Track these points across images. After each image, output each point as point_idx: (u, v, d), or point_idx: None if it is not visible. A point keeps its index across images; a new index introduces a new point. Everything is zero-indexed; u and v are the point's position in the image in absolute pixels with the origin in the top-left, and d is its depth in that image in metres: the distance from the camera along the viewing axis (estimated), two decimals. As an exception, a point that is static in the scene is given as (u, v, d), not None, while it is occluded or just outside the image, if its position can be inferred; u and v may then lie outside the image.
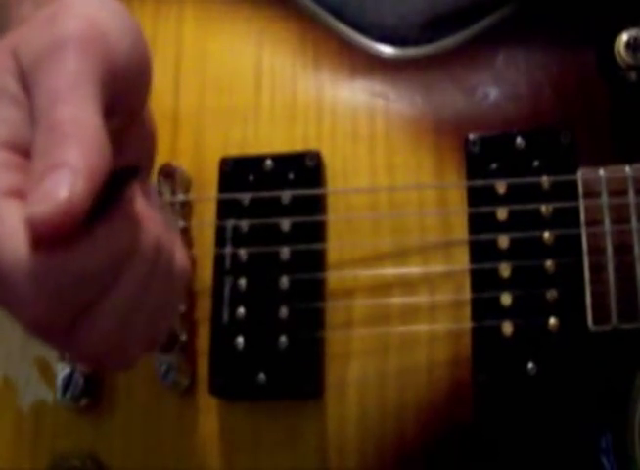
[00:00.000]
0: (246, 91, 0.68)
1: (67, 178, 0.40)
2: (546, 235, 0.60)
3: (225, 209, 0.65)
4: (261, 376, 0.62)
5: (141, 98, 0.50)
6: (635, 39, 0.63)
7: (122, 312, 0.44)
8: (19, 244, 0.41)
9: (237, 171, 0.66)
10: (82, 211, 0.40)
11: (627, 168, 0.60)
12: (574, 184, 0.61)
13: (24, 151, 0.44)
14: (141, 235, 0.44)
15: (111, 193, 0.42)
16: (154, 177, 0.64)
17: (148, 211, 0.45)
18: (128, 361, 0.47)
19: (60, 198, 0.40)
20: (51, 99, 0.43)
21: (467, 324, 0.60)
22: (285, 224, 0.63)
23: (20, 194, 0.42)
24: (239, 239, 0.64)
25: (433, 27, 0.68)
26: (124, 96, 0.47)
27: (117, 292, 0.44)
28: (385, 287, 0.62)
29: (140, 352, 0.47)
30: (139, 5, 0.72)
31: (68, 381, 0.65)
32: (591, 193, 0.60)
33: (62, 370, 0.65)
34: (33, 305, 0.41)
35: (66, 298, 0.42)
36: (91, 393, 0.65)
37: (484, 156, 0.63)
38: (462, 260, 0.62)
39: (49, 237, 0.41)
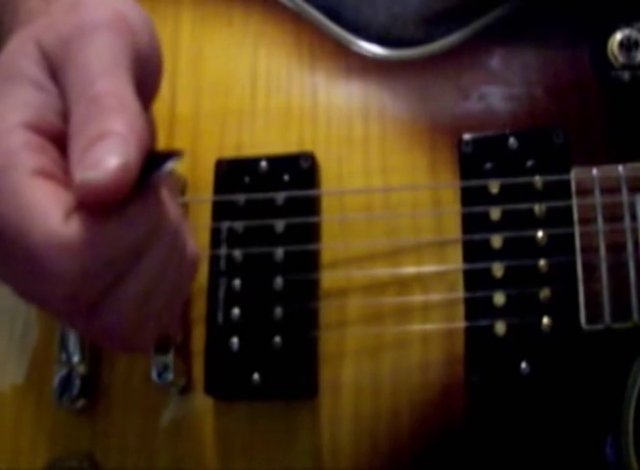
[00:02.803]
0: (241, 94, 0.69)
1: (118, 146, 0.42)
2: (539, 234, 0.60)
3: (220, 210, 0.65)
4: (256, 376, 0.62)
5: (156, 86, 0.51)
6: (628, 39, 0.63)
7: (143, 292, 0.45)
8: (52, 220, 0.42)
9: (232, 173, 0.66)
10: (134, 179, 0.41)
11: (620, 168, 0.60)
12: (567, 183, 0.61)
13: (47, 133, 0.45)
14: (166, 217, 0.45)
15: (150, 170, 0.43)
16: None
17: (170, 196, 0.46)
18: (144, 344, 0.48)
19: (113, 164, 0.41)
20: (88, 74, 0.44)
21: (460, 324, 0.60)
22: (279, 225, 0.64)
23: (46, 175, 0.43)
24: (234, 240, 0.64)
25: (427, 27, 0.68)
26: (145, 82, 0.48)
27: (141, 271, 0.45)
28: (378, 287, 0.62)
29: (154, 335, 0.48)
30: None
31: (66, 382, 0.65)
32: (584, 192, 0.60)
33: (59, 371, 0.66)
34: (65, 281, 0.42)
35: (97, 274, 0.43)
36: (88, 394, 0.65)
37: (478, 156, 0.63)
38: (455, 260, 0.62)
39: (99, 204, 0.41)
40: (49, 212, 0.42)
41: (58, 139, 0.45)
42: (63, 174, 0.44)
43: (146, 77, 0.49)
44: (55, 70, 0.46)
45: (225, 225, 0.65)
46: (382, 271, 0.62)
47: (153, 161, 0.43)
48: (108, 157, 0.41)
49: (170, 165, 0.44)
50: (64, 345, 0.66)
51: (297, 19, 0.70)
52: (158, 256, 0.46)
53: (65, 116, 0.46)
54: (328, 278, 0.63)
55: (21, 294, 0.46)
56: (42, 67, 0.46)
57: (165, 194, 0.46)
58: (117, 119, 0.43)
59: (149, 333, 0.48)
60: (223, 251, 0.64)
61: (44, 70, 0.46)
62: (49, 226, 0.42)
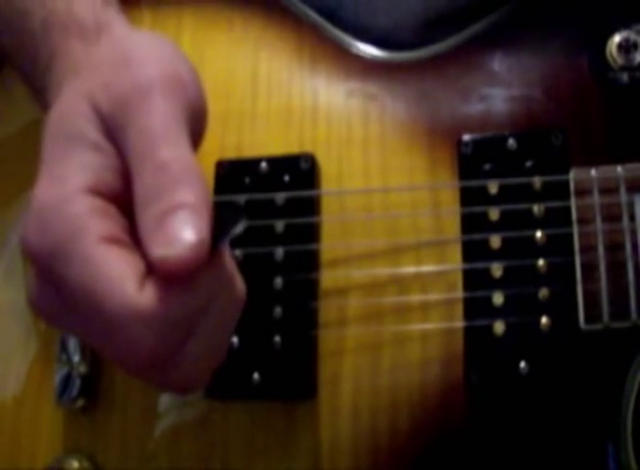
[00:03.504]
0: (242, 96, 0.69)
1: (191, 219, 0.43)
2: (538, 234, 0.61)
3: (221, 211, 0.65)
4: (255, 376, 0.62)
5: (203, 132, 0.52)
6: (627, 41, 0.63)
7: (208, 343, 0.47)
8: (128, 289, 0.43)
9: (232, 174, 0.66)
10: (208, 250, 0.43)
11: (619, 168, 0.60)
12: (566, 184, 0.61)
13: (108, 195, 0.46)
14: (226, 271, 0.47)
15: (215, 235, 0.44)
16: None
17: (225, 247, 0.47)
18: (202, 384, 0.50)
19: (191, 240, 0.42)
20: (150, 139, 0.45)
21: (459, 323, 0.61)
22: (279, 225, 0.64)
23: (114, 240, 0.44)
24: (234, 240, 0.64)
25: (426, 30, 0.69)
26: (195, 132, 0.49)
27: (206, 326, 0.46)
28: (378, 286, 0.62)
29: (210, 374, 0.50)
30: (137, 16, 0.72)
31: (66, 382, 0.65)
32: (583, 192, 0.61)
33: (59, 371, 0.66)
34: (142, 346, 0.44)
35: (170, 337, 0.44)
36: (88, 394, 0.66)
37: (477, 157, 0.63)
38: (454, 260, 0.62)
39: (176, 277, 0.43)
40: (124, 282, 0.43)
41: (117, 199, 0.46)
42: (127, 236, 0.46)
43: (196, 128, 0.50)
44: (111, 130, 0.47)
45: (225, 225, 0.65)
46: (381, 271, 0.62)
47: (216, 223, 0.45)
48: (183, 231, 0.42)
49: (237, 232, 0.45)
50: (64, 344, 0.66)
51: (297, 22, 0.70)
52: (219, 309, 0.47)
53: (122, 175, 0.47)
54: (328, 278, 0.63)
55: (96, 349, 0.48)
56: (98, 126, 0.47)
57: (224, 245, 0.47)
58: (187, 189, 0.44)
59: (207, 373, 0.49)
60: (223, 251, 0.64)
61: (100, 130, 0.47)
62: (126, 296, 0.43)
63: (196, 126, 0.49)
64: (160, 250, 0.43)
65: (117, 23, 0.55)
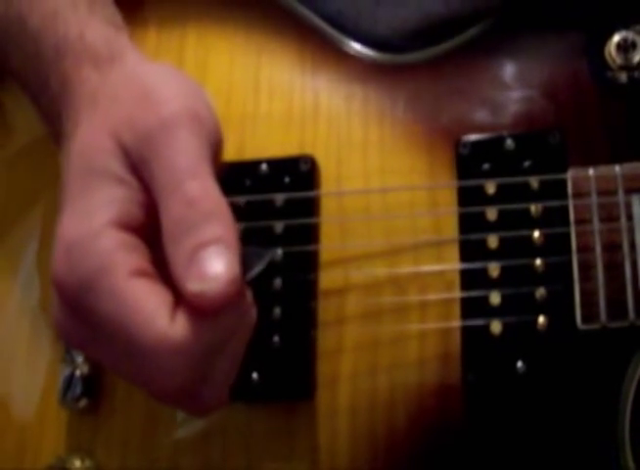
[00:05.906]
0: (244, 99, 0.70)
1: (224, 254, 0.44)
2: (535, 234, 0.61)
3: (221, 212, 0.66)
4: (254, 375, 0.62)
5: (220, 161, 0.52)
6: (626, 40, 0.63)
7: (233, 364, 0.49)
8: (160, 322, 0.44)
9: (233, 176, 0.67)
10: (241, 285, 0.45)
11: (617, 168, 0.60)
12: (564, 184, 0.61)
13: (134, 228, 0.47)
14: (248, 299, 0.48)
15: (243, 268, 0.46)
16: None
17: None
18: (223, 403, 0.51)
19: (226, 276, 0.44)
20: (177, 175, 0.46)
21: (456, 323, 0.61)
22: (278, 227, 0.64)
23: (143, 274, 0.45)
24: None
25: (426, 37, 0.69)
26: (215, 167, 0.50)
27: (230, 350, 0.48)
28: (376, 286, 0.62)
29: (227, 392, 0.51)
30: (141, 29, 0.73)
31: (69, 382, 0.66)
32: (580, 192, 0.61)
33: (62, 371, 0.66)
34: (176, 377, 0.45)
35: (201, 365, 0.46)
36: (91, 394, 0.66)
37: (475, 157, 0.63)
38: (452, 260, 0.62)
39: (211, 310, 0.44)
40: (156, 315, 0.44)
41: (142, 232, 0.47)
42: (153, 268, 0.47)
43: (216, 161, 0.50)
44: (136, 164, 0.48)
45: (226, 227, 0.65)
46: (379, 271, 0.63)
47: (244, 257, 0.46)
48: (217, 266, 0.44)
49: (263, 267, 0.47)
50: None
51: (298, 25, 0.71)
52: (241, 335, 0.48)
53: (146, 208, 0.47)
54: (326, 278, 0.63)
55: (129, 381, 0.50)
56: (121, 161, 0.48)
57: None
58: (217, 224, 0.45)
59: (227, 393, 0.51)
60: (223, 252, 0.65)
61: (124, 165, 0.48)
62: (158, 329, 0.44)
63: (215, 159, 0.50)
64: (195, 284, 0.44)
65: (130, 52, 0.56)
